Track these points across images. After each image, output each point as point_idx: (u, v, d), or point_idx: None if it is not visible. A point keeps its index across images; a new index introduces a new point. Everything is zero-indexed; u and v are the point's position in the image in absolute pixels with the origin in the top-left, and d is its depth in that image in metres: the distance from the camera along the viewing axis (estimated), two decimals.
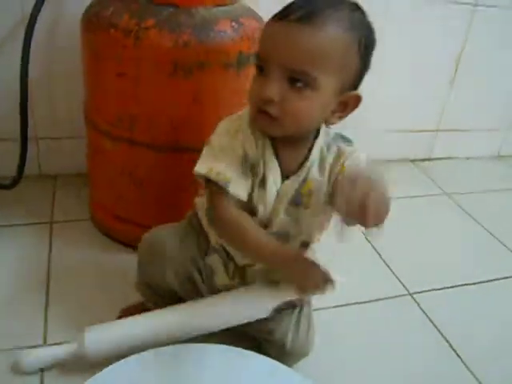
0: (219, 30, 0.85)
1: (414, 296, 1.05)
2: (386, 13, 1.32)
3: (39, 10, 0.99)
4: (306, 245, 0.78)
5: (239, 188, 0.67)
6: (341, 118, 0.68)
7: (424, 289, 1.07)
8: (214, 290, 0.80)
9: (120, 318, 0.86)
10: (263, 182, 0.70)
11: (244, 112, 0.71)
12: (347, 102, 0.66)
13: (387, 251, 1.16)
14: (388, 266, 1.12)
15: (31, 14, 0.99)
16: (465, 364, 0.91)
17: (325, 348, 0.86)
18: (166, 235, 0.80)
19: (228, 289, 0.80)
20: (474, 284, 1.11)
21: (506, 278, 1.15)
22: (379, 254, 1.15)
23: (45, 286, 0.94)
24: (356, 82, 0.66)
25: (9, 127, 1.16)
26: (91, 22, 0.89)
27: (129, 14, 0.85)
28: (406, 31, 1.38)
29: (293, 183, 0.70)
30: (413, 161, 1.62)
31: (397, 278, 1.09)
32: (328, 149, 0.71)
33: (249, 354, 0.77)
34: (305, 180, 0.70)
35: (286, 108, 0.62)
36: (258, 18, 0.93)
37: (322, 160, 0.71)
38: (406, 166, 1.59)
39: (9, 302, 0.90)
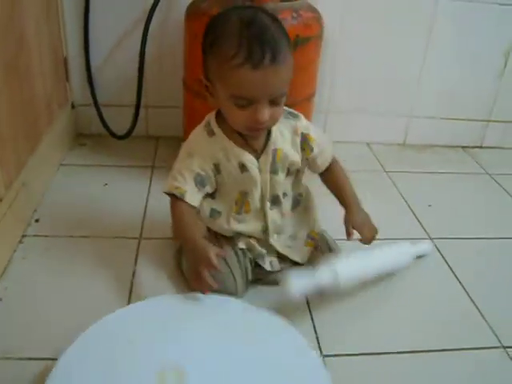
0: (282, 18, 1.14)
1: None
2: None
3: (156, 6, 1.35)
4: (297, 201, 1.02)
5: (192, 197, 0.91)
6: None
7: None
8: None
9: None
10: (243, 168, 0.91)
11: (196, 134, 0.96)
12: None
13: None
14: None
15: (150, 9, 1.35)
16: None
17: None
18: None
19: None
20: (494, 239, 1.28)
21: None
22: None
23: (144, 206, 1.29)
24: None
25: (126, 96, 1.53)
26: (192, 12, 1.23)
27: (217, 6, 1.17)
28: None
29: (267, 157, 0.92)
30: (464, 148, 1.79)
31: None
32: (283, 125, 0.93)
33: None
34: (275, 150, 0.93)
35: (273, 120, 0.86)
36: (313, 10, 1.22)
37: (281, 132, 0.93)
38: (457, 152, 1.76)
39: (118, 213, 1.25)
